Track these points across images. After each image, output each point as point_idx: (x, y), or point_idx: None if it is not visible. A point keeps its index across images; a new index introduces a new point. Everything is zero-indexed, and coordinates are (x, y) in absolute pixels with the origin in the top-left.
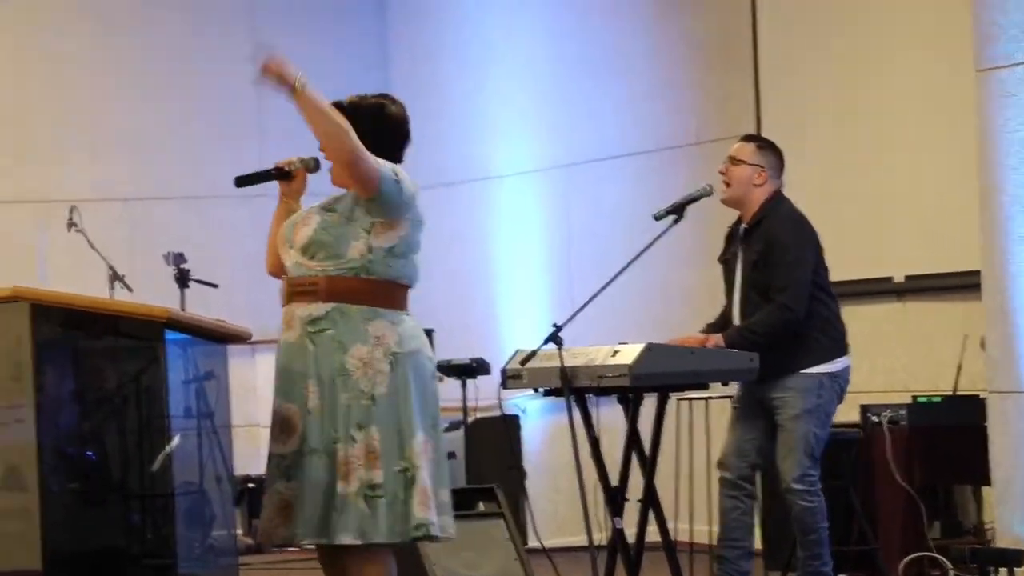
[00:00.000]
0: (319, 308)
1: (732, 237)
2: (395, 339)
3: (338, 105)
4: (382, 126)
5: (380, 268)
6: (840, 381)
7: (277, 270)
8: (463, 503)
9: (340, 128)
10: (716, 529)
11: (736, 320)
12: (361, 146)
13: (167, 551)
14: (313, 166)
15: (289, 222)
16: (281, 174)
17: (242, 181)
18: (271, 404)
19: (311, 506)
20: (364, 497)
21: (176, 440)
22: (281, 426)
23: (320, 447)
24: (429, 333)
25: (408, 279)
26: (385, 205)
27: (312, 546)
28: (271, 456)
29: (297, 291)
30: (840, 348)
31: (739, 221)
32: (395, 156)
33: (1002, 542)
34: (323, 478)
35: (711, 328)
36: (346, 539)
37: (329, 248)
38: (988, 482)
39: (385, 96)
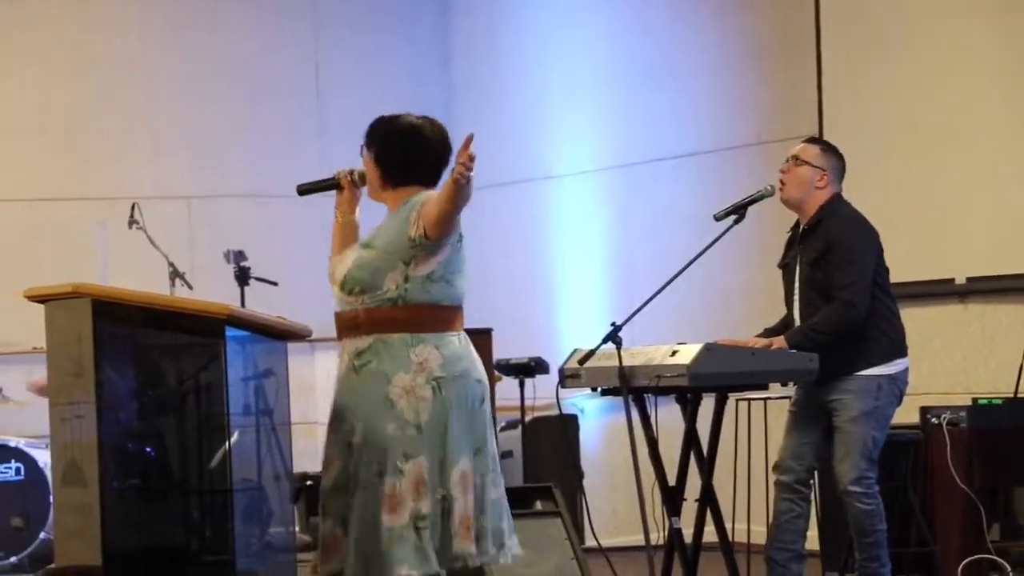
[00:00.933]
0: (363, 341)
1: (792, 242)
2: (439, 363)
3: (376, 127)
4: (416, 150)
5: (418, 295)
6: (899, 383)
7: None
8: (521, 502)
9: (460, 202)
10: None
11: (796, 321)
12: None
13: (225, 547)
14: (360, 180)
15: (335, 259)
16: (335, 185)
17: (303, 190)
18: (330, 402)
19: (357, 543)
20: (415, 528)
21: (235, 437)
22: (328, 459)
23: (364, 482)
24: (487, 332)
25: (451, 299)
26: (442, 245)
27: None
28: (321, 489)
29: (343, 326)
30: (899, 349)
31: (797, 225)
32: (433, 180)
33: None
34: (368, 514)
35: (769, 332)
36: (402, 571)
37: (365, 283)
38: None
39: (423, 118)
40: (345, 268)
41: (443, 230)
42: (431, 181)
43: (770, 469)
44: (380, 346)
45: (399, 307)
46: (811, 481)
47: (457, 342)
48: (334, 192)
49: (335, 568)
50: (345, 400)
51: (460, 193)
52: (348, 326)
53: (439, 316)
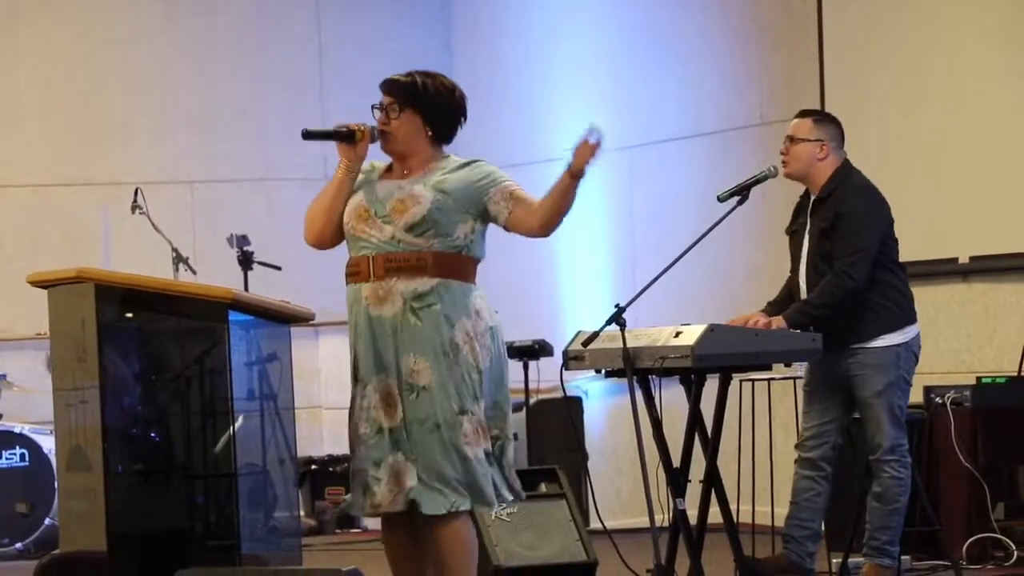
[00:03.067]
0: (425, 283)
1: (800, 209)
2: (488, 313)
3: (399, 82)
4: (451, 108)
5: (475, 248)
6: (914, 347)
7: (325, 240)
8: (525, 484)
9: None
10: (779, 511)
11: (803, 290)
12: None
13: (230, 532)
14: (376, 136)
15: (381, 196)
16: (348, 135)
17: (309, 134)
18: (334, 386)
19: (444, 474)
20: (482, 465)
21: (239, 421)
22: (386, 399)
23: (443, 421)
24: None
25: (481, 254)
26: None
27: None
28: (373, 425)
29: (396, 266)
30: (909, 317)
31: (807, 194)
32: (451, 138)
33: None
34: (448, 451)
35: (773, 306)
36: (464, 505)
37: (439, 227)
38: None
39: (443, 76)
40: (422, 210)
41: (545, 233)
42: (450, 139)
43: (774, 450)
44: (443, 290)
45: (463, 255)
46: (834, 459)
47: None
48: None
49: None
50: (402, 341)
51: (576, 190)
52: (406, 267)
53: (474, 270)
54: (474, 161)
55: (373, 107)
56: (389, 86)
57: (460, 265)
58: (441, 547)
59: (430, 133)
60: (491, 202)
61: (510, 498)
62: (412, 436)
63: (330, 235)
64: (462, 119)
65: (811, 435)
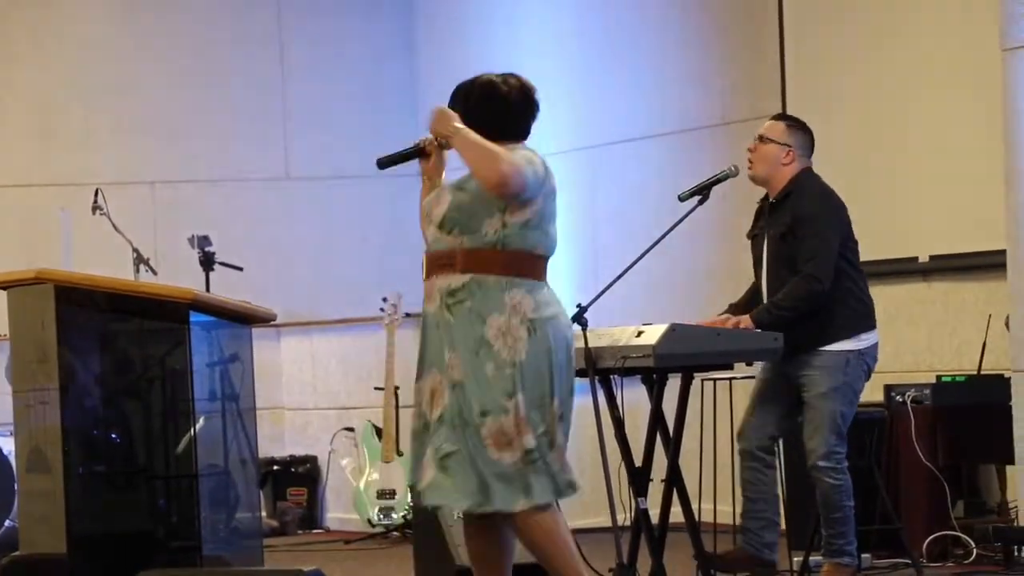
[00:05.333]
0: (457, 279)
1: (761, 213)
2: (531, 306)
3: (454, 90)
4: (496, 106)
5: (515, 240)
6: (867, 359)
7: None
8: None
9: (488, 157)
10: (740, 509)
11: (764, 295)
12: (510, 166)
13: (192, 533)
14: (445, 144)
15: (428, 199)
16: (418, 152)
17: (384, 163)
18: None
19: (466, 477)
20: (528, 463)
21: (200, 422)
22: (431, 392)
23: (471, 420)
24: None
25: (545, 249)
26: (525, 200)
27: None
28: (421, 420)
29: (437, 264)
30: (867, 323)
31: (767, 197)
32: (520, 133)
33: None
34: (475, 450)
35: (735, 308)
36: (519, 505)
37: (464, 224)
38: (1012, 461)
39: (502, 75)
40: (443, 209)
41: (499, 194)
42: (517, 135)
43: (736, 449)
44: (475, 286)
45: (498, 250)
46: (775, 449)
47: (546, 289)
48: (294, 173)
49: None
50: (441, 336)
51: (458, 150)
52: (442, 263)
53: (533, 264)
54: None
55: None
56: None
57: (494, 260)
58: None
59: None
60: None
61: (547, 498)
62: (443, 429)
63: None
64: (511, 112)
65: (748, 424)
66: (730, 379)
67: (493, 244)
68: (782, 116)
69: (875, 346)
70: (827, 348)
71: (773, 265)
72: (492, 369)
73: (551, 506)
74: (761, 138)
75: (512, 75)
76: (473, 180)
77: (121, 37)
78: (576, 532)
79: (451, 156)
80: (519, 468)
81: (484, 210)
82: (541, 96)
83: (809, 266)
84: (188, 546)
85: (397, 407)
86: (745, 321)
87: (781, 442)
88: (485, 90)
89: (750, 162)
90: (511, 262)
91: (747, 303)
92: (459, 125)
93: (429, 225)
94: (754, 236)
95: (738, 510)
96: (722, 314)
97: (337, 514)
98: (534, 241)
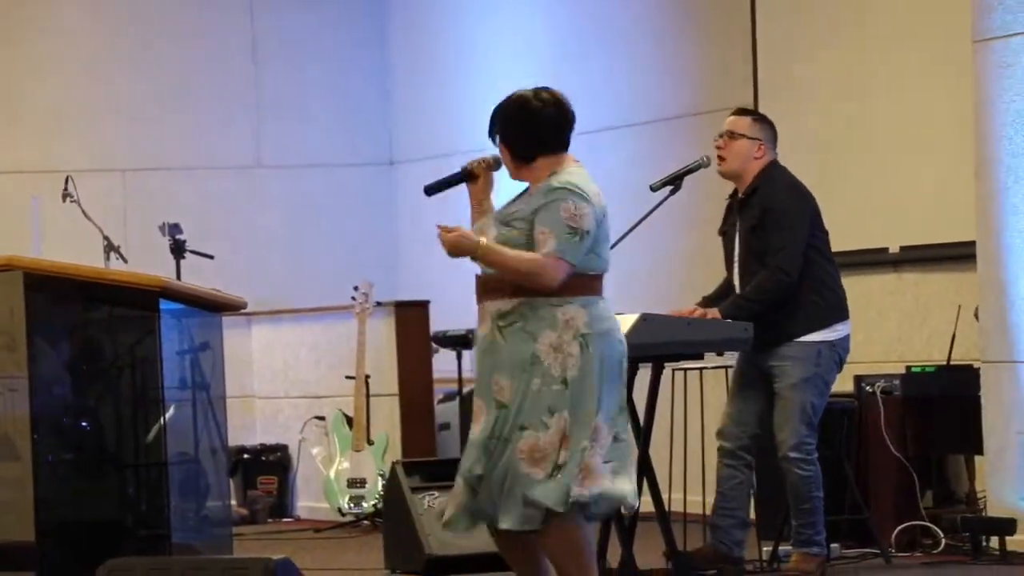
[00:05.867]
0: (507, 303)
1: (731, 209)
2: (584, 320)
3: (495, 113)
4: (530, 122)
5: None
6: (839, 350)
7: None
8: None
9: (528, 268)
10: (711, 499)
11: (737, 290)
12: (543, 268)
13: (161, 521)
14: (495, 165)
15: (476, 228)
16: (467, 176)
17: (431, 189)
18: (266, 375)
19: (489, 494)
20: (552, 479)
21: (170, 411)
22: (475, 415)
23: (508, 436)
24: (424, 304)
25: (596, 269)
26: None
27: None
28: (471, 441)
29: (488, 288)
30: (839, 312)
31: (736, 192)
32: (558, 146)
33: (994, 511)
34: (511, 465)
35: (708, 301)
36: (544, 519)
37: None
38: (981, 451)
39: (534, 90)
40: (489, 240)
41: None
42: (556, 148)
43: (706, 439)
44: (525, 308)
45: None
46: (754, 448)
47: (601, 303)
48: (269, 151)
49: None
50: (491, 361)
51: (491, 261)
52: (491, 287)
53: (584, 283)
54: (555, 191)
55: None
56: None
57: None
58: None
59: (509, 155)
60: (535, 238)
61: (551, 505)
62: (487, 449)
63: None
64: (545, 126)
65: (730, 425)
66: (700, 369)
67: None
68: (745, 110)
69: (847, 337)
70: (799, 339)
71: (745, 259)
72: (538, 384)
73: (575, 518)
74: (731, 134)
75: (545, 88)
76: (519, 214)
77: (92, 24)
78: None
79: (501, 176)
80: (548, 483)
81: (528, 238)
82: (514, 87)
83: (776, 259)
84: (157, 534)
85: (368, 396)
86: (714, 313)
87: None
88: (518, 107)
89: (720, 158)
90: (562, 285)
91: (719, 297)
92: (476, 241)
93: None
94: (724, 232)
95: (709, 500)
96: (695, 305)
97: (307, 503)
98: (586, 263)
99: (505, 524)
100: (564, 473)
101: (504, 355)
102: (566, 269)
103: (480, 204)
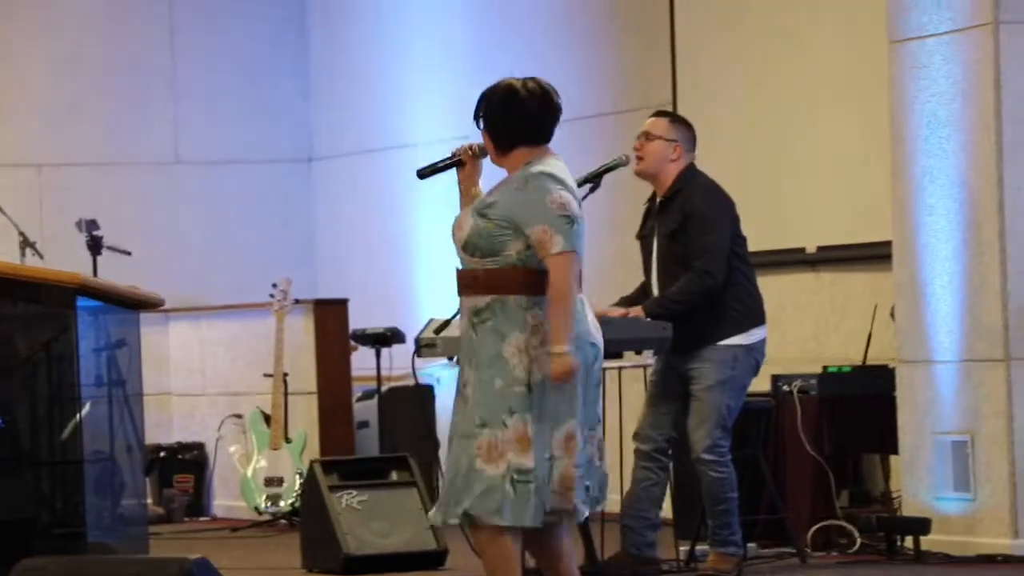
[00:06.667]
0: (481, 300)
1: (649, 214)
2: None
3: (481, 98)
4: (515, 111)
5: (537, 262)
6: (755, 354)
7: None
8: (376, 472)
9: (563, 288)
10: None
11: (655, 294)
12: (571, 259)
13: (77, 520)
14: (480, 152)
15: (454, 222)
16: (455, 162)
17: (423, 173)
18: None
19: (450, 488)
20: (511, 481)
21: (86, 408)
22: (455, 409)
23: (464, 432)
24: (343, 303)
25: None
26: None
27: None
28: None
29: (464, 284)
30: (756, 317)
31: (654, 197)
32: (541, 137)
33: (908, 510)
34: (464, 460)
35: (626, 301)
36: (492, 520)
37: (485, 249)
38: (896, 451)
39: (522, 80)
40: (464, 234)
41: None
42: (536, 139)
43: (625, 438)
44: (497, 306)
45: (519, 269)
46: (669, 450)
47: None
48: (194, 157)
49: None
50: (465, 356)
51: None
52: (467, 284)
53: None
54: (533, 178)
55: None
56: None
57: (516, 280)
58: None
59: (491, 142)
60: (531, 238)
61: (521, 522)
62: (452, 443)
63: None
64: (530, 116)
65: (646, 424)
66: (619, 368)
67: (515, 265)
68: (664, 112)
69: (763, 341)
70: (717, 343)
71: (664, 263)
72: (501, 384)
73: (517, 534)
74: (647, 135)
75: (532, 79)
76: (497, 207)
77: (6, 17)
78: None
79: (485, 164)
80: (501, 484)
81: (507, 235)
82: (435, 84)
83: (702, 262)
84: (72, 533)
85: (286, 394)
86: (636, 311)
87: None
88: (505, 95)
89: (638, 159)
90: (533, 282)
91: (636, 299)
92: (558, 350)
93: (456, 244)
94: (643, 236)
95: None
96: (613, 306)
97: (224, 501)
98: None
99: (490, 520)
100: (539, 486)
101: (473, 350)
102: (577, 258)
103: (468, 191)
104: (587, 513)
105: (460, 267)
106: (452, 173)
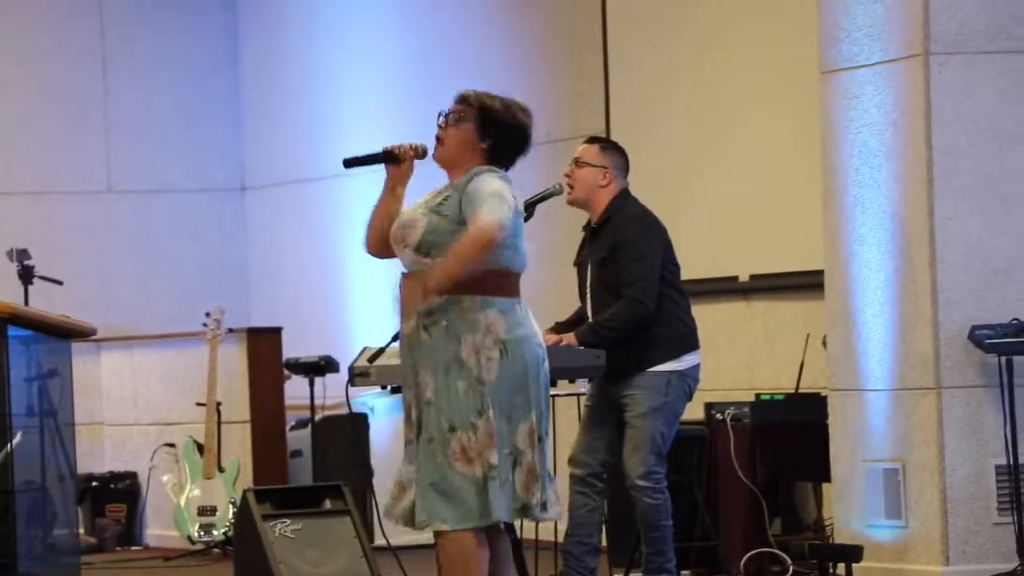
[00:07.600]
0: (433, 300)
1: (585, 241)
2: (504, 327)
3: (471, 95)
4: (516, 138)
5: (489, 259)
6: (688, 380)
7: (378, 250)
8: (310, 501)
9: (472, 241)
10: (563, 526)
11: (590, 319)
12: (491, 223)
13: (7, 550)
14: (423, 153)
15: (399, 223)
16: (390, 158)
17: (350, 163)
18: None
19: (430, 488)
20: (485, 479)
21: (17, 438)
22: (406, 413)
23: (437, 435)
24: (277, 331)
25: (518, 266)
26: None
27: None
28: (406, 436)
29: (414, 286)
30: (689, 344)
31: (589, 222)
32: (510, 166)
33: (840, 538)
34: (441, 463)
35: (561, 326)
36: (472, 520)
37: (438, 248)
38: (828, 479)
39: (518, 104)
40: (419, 233)
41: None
42: (509, 165)
43: (559, 465)
44: (451, 307)
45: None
46: (604, 475)
47: (519, 308)
48: (124, 191)
49: (408, 505)
50: (416, 357)
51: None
52: (418, 285)
53: (506, 282)
54: (478, 173)
55: (439, 113)
56: (462, 97)
57: (469, 280)
58: (439, 562)
59: (483, 147)
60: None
61: (505, 518)
62: (419, 448)
63: (378, 250)
64: (528, 141)
65: (580, 450)
66: (553, 396)
67: None
68: (595, 139)
69: (697, 367)
70: (650, 369)
71: (596, 290)
72: (464, 387)
73: (479, 531)
74: (577, 162)
75: (523, 105)
76: (449, 204)
77: None
78: (398, 549)
79: (416, 164)
80: (477, 484)
81: (459, 232)
82: (367, 112)
83: (633, 289)
84: (3, 564)
85: (219, 423)
86: (569, 338)
87: None
88: (527, 116)
89: (569, 187)
90: (485, 281)
91: (572, 324)
92: (434, 276)
93: (404, 248)
94: (579, 263)
95: (561, 527)
96: (548, 331)
97: (157, 531)
98: (507, 259)
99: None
100: (505, 480)
101: (428, 352)
102: (504, 227)
103: (394, 190)
104: (543, 518)
105: (406, 271)
106: (374, 169)
